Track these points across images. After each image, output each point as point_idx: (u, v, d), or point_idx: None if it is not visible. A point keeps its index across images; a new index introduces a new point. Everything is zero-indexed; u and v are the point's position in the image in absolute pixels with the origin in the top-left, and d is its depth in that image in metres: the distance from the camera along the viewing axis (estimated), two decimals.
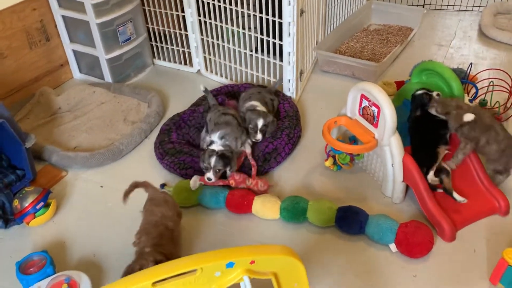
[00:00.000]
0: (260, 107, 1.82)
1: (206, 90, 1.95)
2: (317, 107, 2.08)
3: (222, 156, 1.57)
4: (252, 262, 0.87)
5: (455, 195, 1.46)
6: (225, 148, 1.62)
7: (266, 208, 1.52)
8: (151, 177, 1.70)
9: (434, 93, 1.55)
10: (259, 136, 1.74)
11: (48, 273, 1.31)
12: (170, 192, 1.59)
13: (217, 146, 1.62)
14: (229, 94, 2.05)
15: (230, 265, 0.85)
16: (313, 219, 1.48)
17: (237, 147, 1.67)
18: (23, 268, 1.34)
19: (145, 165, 1.79)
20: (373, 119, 1.52)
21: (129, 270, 1.16)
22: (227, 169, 1.60)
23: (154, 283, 0.82)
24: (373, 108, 1.50)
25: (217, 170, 1.57)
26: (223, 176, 1.62)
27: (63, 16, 2.19)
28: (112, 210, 1.61)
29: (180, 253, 1.31)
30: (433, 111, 1.53)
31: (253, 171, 1.64)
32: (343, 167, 1.71)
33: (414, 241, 1.36)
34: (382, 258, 1.39)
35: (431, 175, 1.47)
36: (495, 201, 1.49)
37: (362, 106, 1.56)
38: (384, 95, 1.45)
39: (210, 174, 1.56)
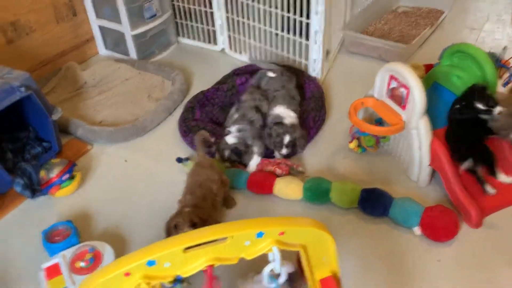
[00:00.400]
0: (287, 118, 1.67)
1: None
2: (342, 89, 2.05)
3: (235, 150, 1.59)
4: (282, 233, 0.87)
5: (488, 187, 1.41)
6: (240, 140, 1.61)
7: (288, 189, 1.51)
8: (174, 153, 1.72)
9: (497, 110, 1.44)
10: (284, 151, 1.63)
11: (72, 243, 1.34)
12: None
13: (231, 138, 1.61)
14: (253, 73, 2.02)
15: (260, 235, 0.85)
16: (336, 200, 1.47)
17: (256, 145, 1.64)
18: (49, 237, 1.37)
19: (168, 142, 1.80)
20: (401, 101, 1.49)
21: (167, 227, 1.22)
22: (245, 164, 1.61)
23: (186, 249, 0.83)
24: (402, 89, 1.47)
25: (233, 162, 1.61)
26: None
27: None
28: (135, 184, 1.62)
29: (219, 219, 1.34)
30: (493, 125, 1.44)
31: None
32: (367, 150, 1.69)
33: (440, 225, 1.33)
34: (406, 241, 1.37)
35: (503, 177, 1.41)
36: None
37: (391, 87, 1.52)
38: (415, 76, 1.41)
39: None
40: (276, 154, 1.66)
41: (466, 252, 1.33)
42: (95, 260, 1.27)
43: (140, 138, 1.82)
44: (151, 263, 0.82)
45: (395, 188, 1.53)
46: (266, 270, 0.92)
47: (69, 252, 1.29)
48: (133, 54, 2.28)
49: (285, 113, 1.69)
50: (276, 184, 1.52)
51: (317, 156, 1.71)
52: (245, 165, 1.62)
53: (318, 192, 1.48)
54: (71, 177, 1.58)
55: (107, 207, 1.54)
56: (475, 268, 1.29)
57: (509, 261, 1.30)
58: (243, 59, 2.26)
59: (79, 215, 1.51)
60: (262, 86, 1.86)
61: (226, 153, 1.59)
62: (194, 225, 1.16)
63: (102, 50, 2.40)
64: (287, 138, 1.62)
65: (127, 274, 0.82)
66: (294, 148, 1.64)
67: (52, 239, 1.36)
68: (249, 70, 2.05)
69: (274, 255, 0.88)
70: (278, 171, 1.58)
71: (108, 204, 1.55)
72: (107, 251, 1.30)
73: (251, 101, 1.75)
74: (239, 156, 1.60)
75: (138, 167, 1.70)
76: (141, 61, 2.24)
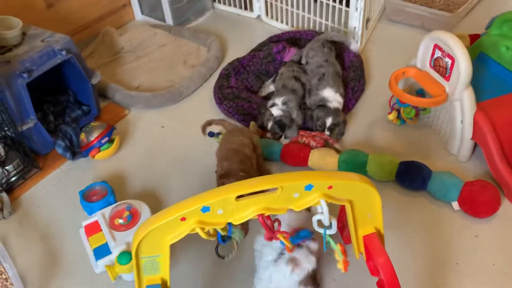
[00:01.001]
0: (333, 100, 1.62)
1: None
2: (382, 58, 1.98)
3: (279, 122, 1.57)
4: (330, 187, 0.88)
5: None
6: (285, 113, 1.59)
7: (324, 161, 1.49)
8: None
9: None
10: (327, 134, 1.59)
11: (110, 202, 1.38)
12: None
13: (276, 110, 1.59)
14: (290, 41, 1.99)
15: (308, 187, 0.87)
16: (373, 172, 1.44)
17: (298, 117, 1.62)
18: (86, 196, 1.41)
19: (204, 109, 1.81)
20: (445, 72, 1.43)
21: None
22: (283, 137, 1.59)
23: (238, 197, 0.86)
24: (447, 59, 1.41)
25: (275, 133, 1.59)
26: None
27: None
28: (172, 149, 1.65)
29: None
30: None
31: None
32: (407, 122, 1.64)
33: (480, 200, 1.30)
34: (444, 215, 1.34)
35: None
36: None
37: (435, 57, 1.46)
38: (461, 45, 1.35)
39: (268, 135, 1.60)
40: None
41: (506, 229, 1.30)
42: (133, 217, 1.30)
43: (176, 105, 1.83)
44: (205, 209, 0.85)
45: (434, 162, 1.50)
46: (314, 219, 0.94)
47: (107, 210, 1.34)
48: (169, 20, 2.27)
49: (332, 97, 1.63)
50: (311, 156, 1.50)
51: (355, 127, 1.68)
52: (286, 137, 1.61)
53: (354, 164, 1.46)
54: (110, 141, 1.61)
55: (143, 170, 1.57)
56: None
57: None
58: (280, 26, 2.21)
59: (117, 177, 1.55)
60: (302, 62, 1.82)
61: (270, 124, 1.58)
62: None
63: (138, 15, 2.40)
64: (329, 121, 1.58)
65: (183, 219, 0.86)
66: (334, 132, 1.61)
67: (90, 198, 1.41)
68: (286, 37, 2.02)
69: (323, 208, 0.89)
70: (313, 143, 1.56)
71: (145, 168, 1.58)
72: (144, 209, 1.33)
73: (289, 72, 1.73)
74: (282, 129, 1.58)
75: (174, 133, 1.71)
76: (177, 27, 2.23)
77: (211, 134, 1.60)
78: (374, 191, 0.92)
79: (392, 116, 1.64)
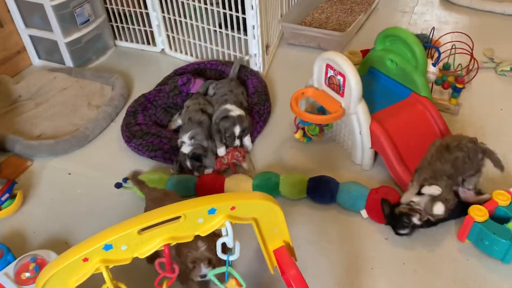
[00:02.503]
0: (234, 110, 1.67)
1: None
2: (285, 81, 2.07)
3: (194, 156, 1.57)
4: (233, 208, 0.90)
5: None
6: (196, 147, 1.59)
7: (239, 188, 1.50)
8: (120, 161, 1.69)
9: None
10: (237, 143, 1.64)
11: (9, 260, 1.30)
12: (134, 186, 1.49)
13: (186, 147, 1.59)
14: (196, 72, 2.01)
15: (212, 211, 0.88)
16: (285, 192, 1.49)
17: (210, 145, 1.63)
18: None
19: (113, 150, 1.76)
20: (339, 88, 1.53)
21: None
22: (206, 167, 1.60)
23: (140, 230, 0.84)
24: (339, 77, 1.50)
25: (198, 168, 1.59)
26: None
27: (16, 0, 2.08)
28: (82, 196, 1.58)
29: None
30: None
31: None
32: (313, 138, 1.72)
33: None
34: (355, 224, 1.41)
35: None
36: None
37: (328, 76, 1.56)
38: (348, 63, 1.45)
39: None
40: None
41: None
42: (41, 267, 1.24)
43: (83, 148, 1.77)
44: (108, 247, 0.84)
45: (342, 173, 1.58)
46: (218, 243, 0.95)
47: (10, 268, 1.26)
48: (68, 62, 2.20)
49: (233, 108, 1.69)
50: (226, 185, 1.51)
51: (265, 148, 1.72)
52: (205, 167, 1.61)
53: (267, 187, 1.49)
54: (12, 196, 1.51)
55: (52, 222, 1.48)
56: (422, 243, 1.35)
57: (452, 232, 1.36)
58: (185, 58, 2.23)
59: (21, 234, 1.45)
60: (209, 93, 1.86)
61: (188, 163, 1.57)
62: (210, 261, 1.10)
63: (35, 60, 2.30)
64: (237, 129, 1.62)
65: (85, 260, 0.84)
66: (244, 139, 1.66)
67: None
68: (191, 69, 2.04)
69: (227, 229, 0.91)
70: (237, 155, 1.61)
71: (53, 219, 1.50)
72: (52, 257, 1.27)
73: (195, 105, 1.74)
74: (200, 161, 1.58)
75: (82, 179, 1.64)
76: (78, 69, 2.16)
77: (118, 185, 1.54)
78: (276, 206, 0.95)
79: (298, 134, 1.71)
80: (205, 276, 1.09)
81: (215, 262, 1.08)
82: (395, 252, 1.33)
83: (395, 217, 1.32)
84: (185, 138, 1.61)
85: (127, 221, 0.85)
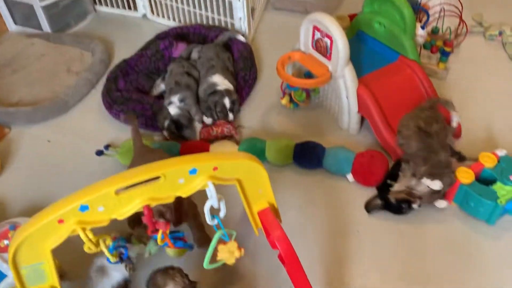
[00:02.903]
0: (221, 84, 1.62)
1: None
2: (271, 46, 2.01)
3: (177, 122, 1.53)
4: (215, 168, 0.87)
5: None
6: (183, 112, 1.55)
7: None
8: (102, 129, 1.65)
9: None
10: (231, 116, 1.59)
11: None
12: (116, 153, 1.48)
13: (174, 109, 1.54)
14: (178, 37, 1.95)
15: (193, 171, 0.85)
16: (272, 158, 1.46)
17: (197, 113, 1.59)
18: None
19: (94, 117, 1.71)
20: (326, 51, 1.49)
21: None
22: (184, 137, 1.55)
23: (118, 191, 0.81)
24: (326, 39, 1.46)
25: (171, 133, 1.53)
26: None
27: None
28: (62, 164, 1.53)
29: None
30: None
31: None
32: (300, 104, 1.69)
33: (370, 170, 1.37)
34: (341, 188, 1.40)
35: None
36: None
37: (315, 38, 1.51)
38: (336, 24, 1.41)
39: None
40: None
41: None
42: None
43: (63, 116, 1.71)
44: (84, 208, 0.81)
45: (329, 138, 1.55)
46: (206, 207, 0.92)
47: None
48: (46, 27, 2.11)
49: (221, 82, 1.63)
50: (211, 150, 1.47)
51: (251, 115, 1.69)
52: (184, 138, 1.57)
53: (253, 153, 1.42)
54: None
55: (31, 191, 1.45)
56: None
57: None
58: (167, 23, 2.15)
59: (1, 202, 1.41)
60: (193, 57, 1.80)
61: (166, 123, 1.52)
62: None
63: (11, 26, 2.20)
64: (227, 102, 1.58)
65: (60, 221, 0.81)
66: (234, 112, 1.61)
67: None
68: (173, 33, 1.97)
69: (211, 191, 0.87)
70: (226, 130, 1.57)
71: (33, 188, 1.46)
72: None
73: (180, 68, 1.69)
74: (178, 129, 1.54)
75: (63, 147, 1.60)
76: (56, 34, 2.08)
77: (100, 153, 1.50)
78: (259, 167, 0.93)
79: (285, 100, 1.67)
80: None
81: (169, 217, 1.01)
82: (381, 215, 1.32)
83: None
84: (174, 99, 1.56)
85: (103, 181, 0.81)
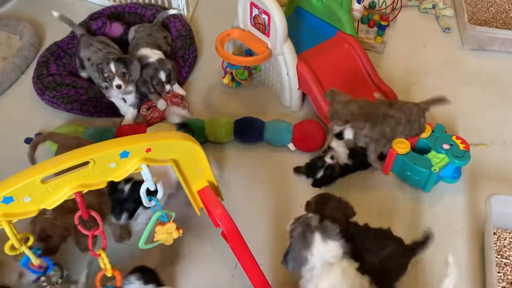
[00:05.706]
0: (153, 56, 1.55)
1: (62, 17, 1.66)
2: (212, 24, 1.96)
3: (120, 60, 1.44)
4: (148, 150, 0.84)
5: None
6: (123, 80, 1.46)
7: None
8: (33, 116, 1.56)
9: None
10: (168, 88, 1.54)
11: None
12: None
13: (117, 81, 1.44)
14: (112, 17, 1.86)
15: (124, 154, 0.82)
16: (212, 136, 1.45)
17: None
18: None
19: (25, 104, 1.61)
20: (264, 28, 1.47)
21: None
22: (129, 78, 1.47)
23: (44, 179, 0.77)
24: (264, 16, 1.44)
25: (121, 74, 1.44)
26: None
27: None
28: None
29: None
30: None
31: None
32: (242, 83, 1.67)
33: (310, 135, 1.41)
34: (284, 160, 1.43)
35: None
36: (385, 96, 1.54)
37: (253, 15, 1.49)
38: (273, 0, 1.39)
39: (117, 81, 1.43)
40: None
41: None
42: None
43: None
44: (7, 199, 0.77)
45: (271, 116, 1.55)
46: (142, 190, 0.90)
47: None
48: None
49: (150, 52, 1.57)
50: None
51: (194, 95, 1.65)
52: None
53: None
54: None
55: None
56: (349, 178, 1.38)
57: None
58: (101, 2, 2.04)
59: None
60: (129, 37, 1.72)
61: (112, 66, 1.43)
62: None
63: None
64: (162, 75, 1.52)
65: None
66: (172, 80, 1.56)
67: None
68: (107, 13, 1.87)
69: (145, 173, 0.85)
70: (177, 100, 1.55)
71: None
72: None
73: (97, 51, 1.57)
74: (128, 64, 1.46)
75: None
76: None
77: (29, 141, 1.41)
78: (195, 145, 0.91)
79: (227, 79, 1.65)
80: None
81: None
82: (325, 188, 1.35)
83: (310, 165, 1.34)
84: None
85: (27, 169, 0.76)
